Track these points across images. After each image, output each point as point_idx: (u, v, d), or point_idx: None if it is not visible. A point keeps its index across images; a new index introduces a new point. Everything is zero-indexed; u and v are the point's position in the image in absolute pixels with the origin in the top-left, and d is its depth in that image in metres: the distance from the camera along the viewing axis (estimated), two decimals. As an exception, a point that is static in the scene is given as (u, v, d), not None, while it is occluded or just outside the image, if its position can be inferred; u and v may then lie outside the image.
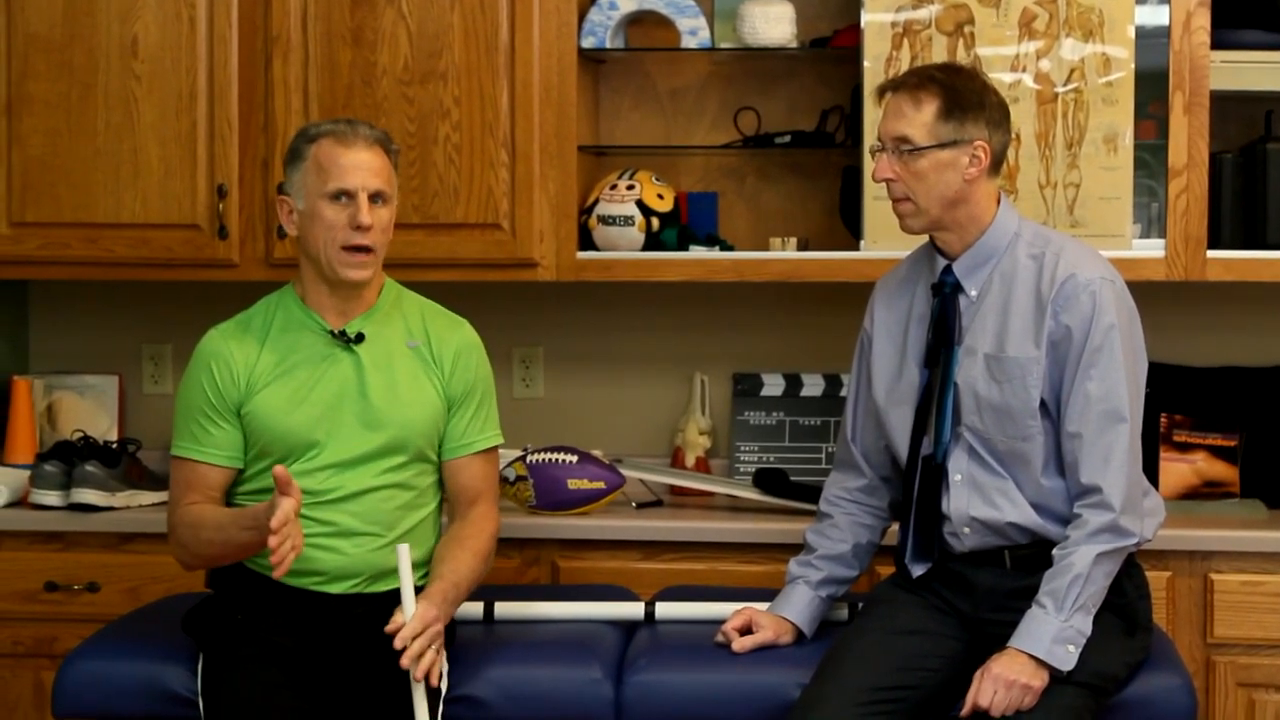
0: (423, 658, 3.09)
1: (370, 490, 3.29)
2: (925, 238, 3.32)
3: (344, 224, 3.24)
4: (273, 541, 2.97)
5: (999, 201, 3.28)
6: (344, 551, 3.27)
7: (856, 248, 4.08)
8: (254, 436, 3.29)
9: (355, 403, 3.30)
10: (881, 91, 3.29)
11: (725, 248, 4.25)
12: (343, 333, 3.32)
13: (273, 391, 3.29)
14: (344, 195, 3.24)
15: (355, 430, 3.29)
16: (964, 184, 3.22)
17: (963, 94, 3.21)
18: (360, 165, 3.25)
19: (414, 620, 3.11)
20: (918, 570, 3.30)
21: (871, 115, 3.84)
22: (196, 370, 3.33)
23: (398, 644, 3.09)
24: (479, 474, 3.41)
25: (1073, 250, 3.25)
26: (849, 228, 4.19)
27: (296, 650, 3.18)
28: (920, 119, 3.19)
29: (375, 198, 3.27)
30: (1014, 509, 3.21)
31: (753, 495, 4.14)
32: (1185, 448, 4.15)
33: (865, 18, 4.01)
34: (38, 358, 4.67)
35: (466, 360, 3.40)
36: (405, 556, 3.14)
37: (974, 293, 3.26)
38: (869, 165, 3.93)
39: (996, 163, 3.26)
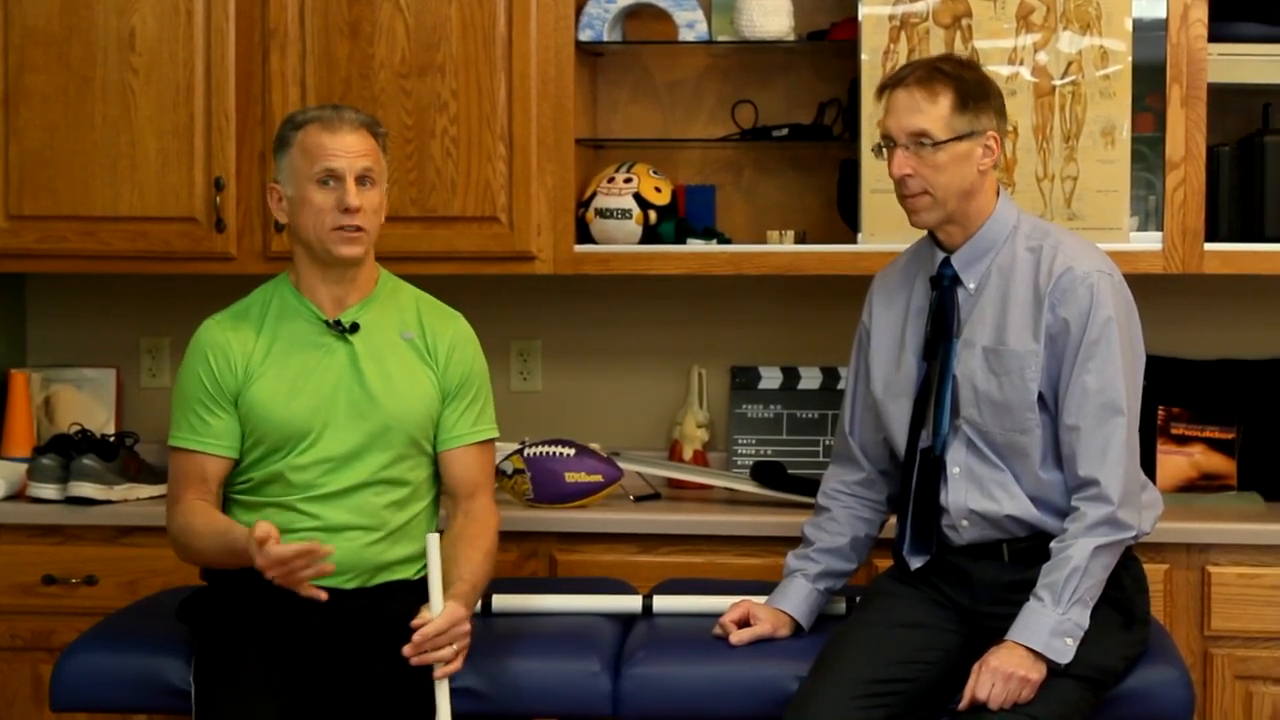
0: (440, 653, 3.09)
1: (362, 486, 3.29)
2: (923, 230, 3.32)
3: (332, 207, 3.25)
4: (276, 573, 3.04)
5: (998, 194, 3.29)
6: (337, 545, 3.25)
7: (854, 241, 4.08)
8: (250, 426, 3.29)
9: (350, 393, 3.30)
10: (885, 88, 3.27)
11: (723, 241, 4.25)
12: (338, 322, 3.32)
13: (269, 381, 3.29)
14: (331, 178, 3.25)
15: (350, 420, 3.29)
16: (978, 175, 3.22)
17: (972, 85, 3.21)
18: (347, 148, 3.26)
19: (441, 618, 3.11)
20: (916, 563, 3.31)
21: (870, 109, 3.84)
22: (194, 360, 3.33)
23: (416, 639, 3.09)
24: (475, 466, 3.40)
25: (1070, 243, 3.25)
26: (846, 221, 4.19)
27: (292, 644, 3.17)
28: (937, 112, 3.19)
29: (362, 180, 3.27)
30: (1012, 502, 3.21)
31: (750, 488, 4.14)
32: (1183, 440, 4.15)
33: (863, 10, 4.01)
34: (35, 351, 4.67)
35: (462, 353, 3.40)
36: (435, 548, 3.13)
37: (972, 285, 3.26)
38: (867, 159, 3.95)
39: (998, 154, 3.27)
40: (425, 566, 3.36)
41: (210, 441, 3.29)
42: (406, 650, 3.09)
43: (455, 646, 3.12)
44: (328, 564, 3.07)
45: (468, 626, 3.15)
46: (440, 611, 3.11)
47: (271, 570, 3.04)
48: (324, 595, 3.08)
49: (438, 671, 3.11)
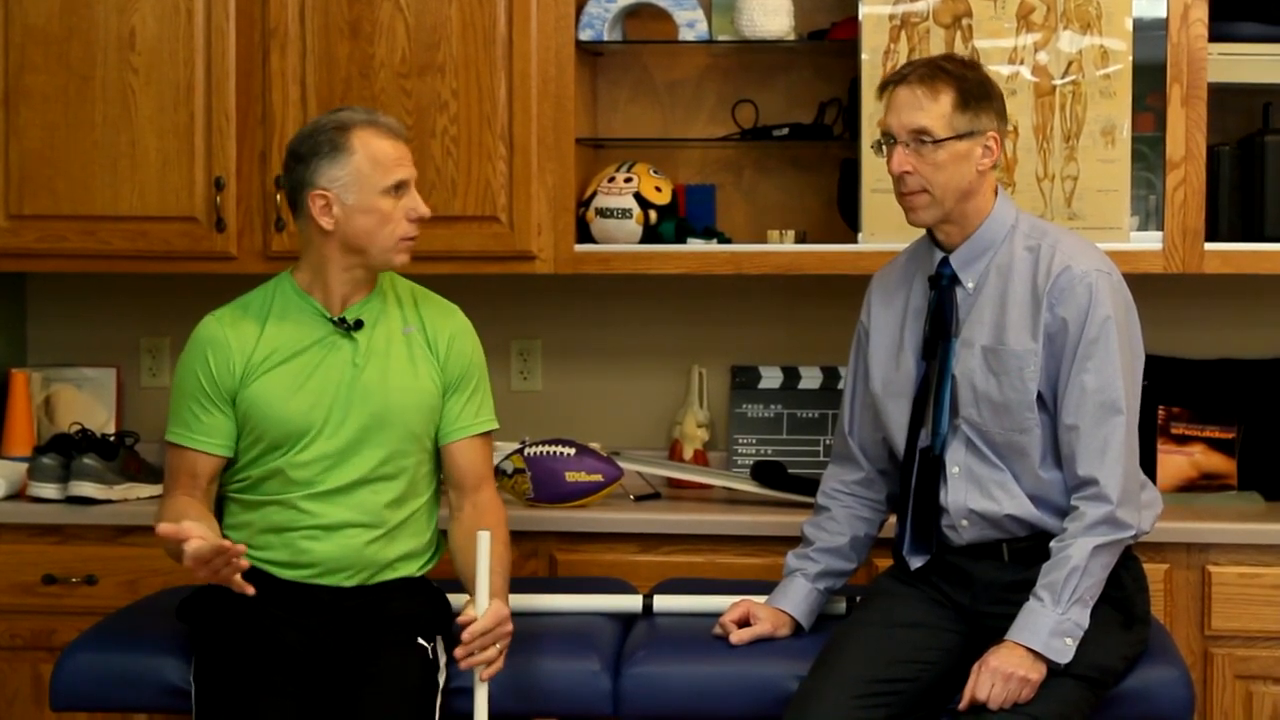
0: (485, 654, 3.11)
1: (361, 482, 3.29)
2: (923, 230, 3.32)
3: (402, 216, 3.27)
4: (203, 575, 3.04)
5: (996, 193, 3.29)
6: (336, 543, 3.27)
7: (854, 240, 4.08)
8: (250, 423, 3.29)
9: (352, 389, 3.30)
10: (886, 85, 3.27)
11: (723, 240, 4.25)
12: (342, 319, 3.32)
13: (271, 379, 3.29)
14: (400, 187, 3.27)
15: (352, 416, 3.29)
16: (976, 175, 3.22)
17: (973, 85, 3.21)
18: (406, 156, 3.31)
19: (487, 617, 3.12)
20: (915, 563, 3.31)
21: (870, 108, 3.84)
22: (192, 356, 3.33)
23: (465, 637, 3.10)
24: (480, 457, 3.41)
25: (1069, 243, 3.25)
26: (847, 221, 4.19)
27: (292, 643, 3.17)
28: (938, 110, 3.19)
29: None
30: (1012, 501, 3.21)
31: (750, 488, 4.14)
32: (1183, 440, 4.15)
33: (863, 10, 4.01)
34: (35, 350, 4.67)
35: (461, 345, 3.41)
36: (486, 544, 3.13)
37: (971, 285, 3.26)
38: (867, 158, 3.95)
39: (997, 154, 3.27)
40: (428, 563, 3.38)
41: (202, 439, 3.29)
42: (457, 653, 3.11)
43: (499, 646, 3.14)
44: (243, 560, 3.03)
45: (510, 627, 3.16)
46: (485, 610, 3.12)
47: (199, 571, 3.03)
48: (251, 590, 3.07)
49: (483, 673, 3.13)
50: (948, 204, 3.22)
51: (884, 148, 3.25)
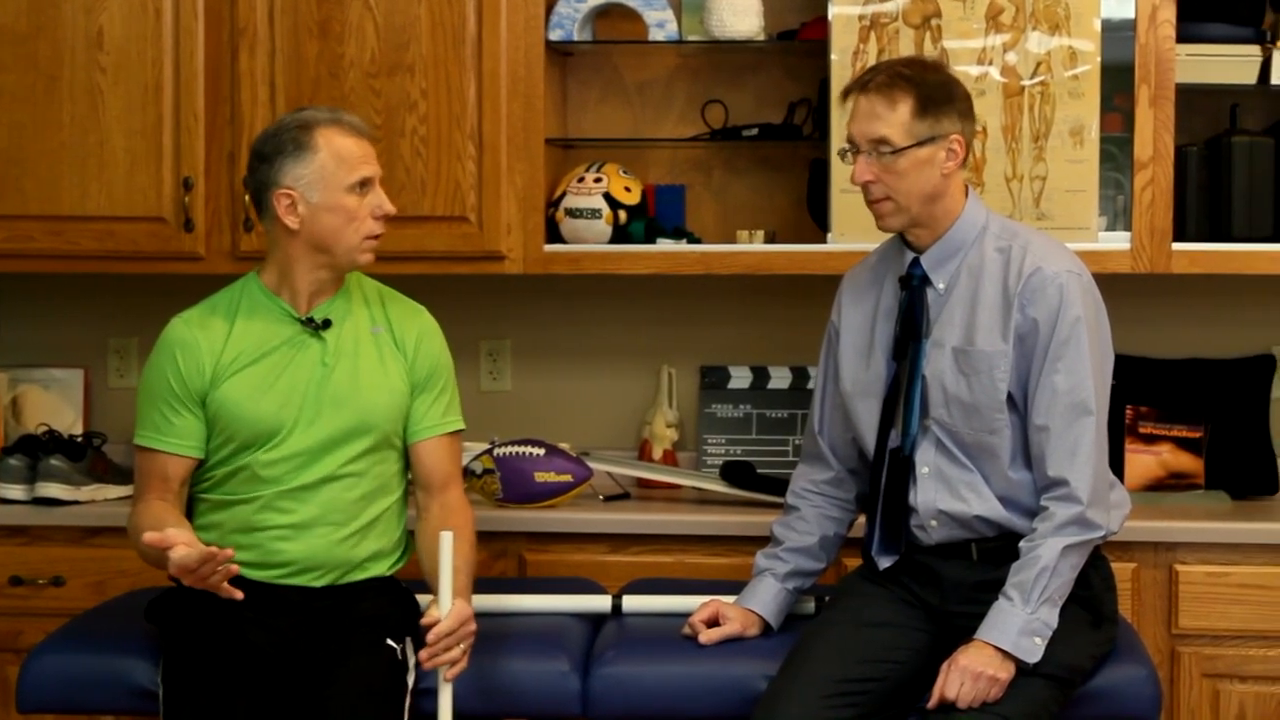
0: (450, 654, 3.11)
1: (332, 479, 3.29)
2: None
3: (367, 214, 3.27)
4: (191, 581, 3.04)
5: (966, 194, 3.29)
6: (307, 542, 3.27)
7: (824, 240, 4.09)
8: (220, 424, 3.28)
9: (322, 389, 3.29)
10: (847, 93, 3.28)
11: (693, 240, 4.25)
12: (310, 319, 3.32)
13: (240, 380, 3.28)
14: (364, 184, 3.27)
15: (321, 416, 3.28)
16: (941, 179, 3.22)
17: (934, 89, 3.20)
18: (370, 154, 3.30)
19: (450, 618, 3.12)
20: (885, 563, 3.31)
21: (839, 109, 3.84)
22: (161, 358, 3.32)
23: (430, 637, 3.10)
24: (447, 458, 3.41)
25: (1039, 243, 3.26)
26: (816, 221, 4.20)
27: (261, 644, 3.16)
28: (897, 118, 3.18)
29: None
30: (981, 502, 3.22)
31: (720, 488, 4.14)
32: (1150, 439, 4.16)
33: (832, 10, 4.01)
34: (2, 351, 4.65)
35: (429, 345, 3.41)
36: (449, 545, 3.13)
37: (941, 286, 3.26)
38: (836, 159, 3.95)
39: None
40: (397, 563, 3.38)
41: (174, 441, 3.28)
42: (422, 655, 3.12)
43: (463, 646, 3.14)
44: (233, 566, 3.04)
45: (474, 626, 3.16)
46: (449, 610, 3.12)
47: (185, 579, 3.03)
48: (239, 595, 3.07)
49: (448, 673, 3.13)
50: (914, 209, 3.22)
51: (849, 155, 3.25)
